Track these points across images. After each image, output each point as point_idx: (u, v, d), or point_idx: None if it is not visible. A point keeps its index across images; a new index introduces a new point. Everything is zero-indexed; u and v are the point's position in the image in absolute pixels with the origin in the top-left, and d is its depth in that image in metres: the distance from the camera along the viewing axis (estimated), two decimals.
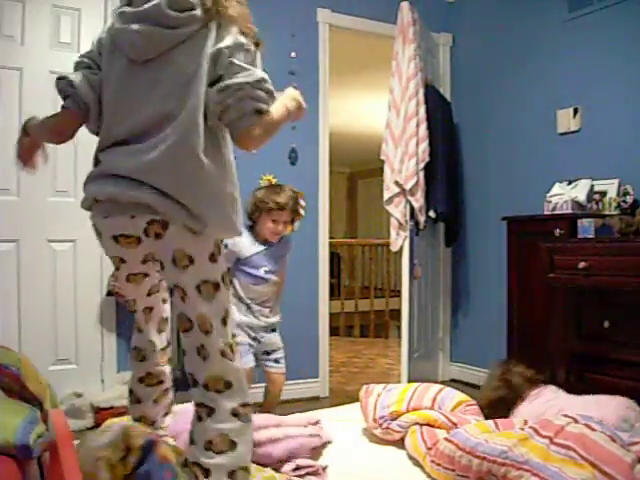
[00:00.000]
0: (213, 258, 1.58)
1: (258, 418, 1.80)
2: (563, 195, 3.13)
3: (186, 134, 1.49)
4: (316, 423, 1.90)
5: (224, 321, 1.59)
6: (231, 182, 1.63)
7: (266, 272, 2.80)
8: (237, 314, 2.75)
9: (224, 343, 1.57)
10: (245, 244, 2.76)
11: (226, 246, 2.69)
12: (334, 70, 4.01)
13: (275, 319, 2.91)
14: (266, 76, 1.54)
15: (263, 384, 2.97)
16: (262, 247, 2.80)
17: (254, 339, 2.83)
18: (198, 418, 1.56)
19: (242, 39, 1.54)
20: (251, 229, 2.83)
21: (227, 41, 1.52)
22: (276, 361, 2.90)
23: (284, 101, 1.61)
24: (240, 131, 1.53)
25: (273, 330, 2.90)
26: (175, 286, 1.58)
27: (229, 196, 1.62)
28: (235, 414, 1.54)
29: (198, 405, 1.56)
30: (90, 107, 1.62)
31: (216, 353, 1.55)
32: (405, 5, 3.61)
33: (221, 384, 1.54)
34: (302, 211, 2.81)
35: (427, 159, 3.64)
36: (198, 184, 1.52)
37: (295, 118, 1.66)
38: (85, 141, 1.79)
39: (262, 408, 2.86)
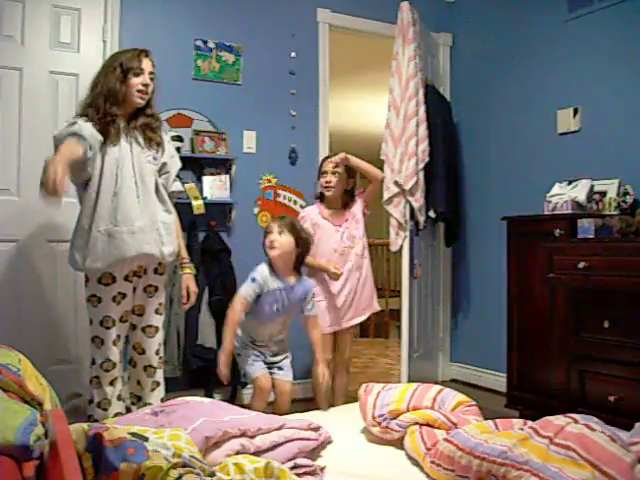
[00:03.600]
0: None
1: (261, 420, 1.80)
2: (563, 195, 3.12)
3: None
4: (317, 429, 1.90)
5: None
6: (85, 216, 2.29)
7: (277, 310, 2.73)
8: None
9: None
10: (268, 279, 2.71)
11: (253, 280, 2.68)
12: (334, 70, 4.02)
13: (281, 357, 2.82)
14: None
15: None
16: (281, 284, 2.73)
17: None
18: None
19: None
20: (269, 261, 2.76)
21: None
22: (279, 368, 2.77)
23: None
24: None
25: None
26: None
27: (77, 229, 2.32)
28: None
29: None
30: None
31: None
32: (405, 5, 3.61)
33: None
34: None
35: (427, 159, 3.64)
36: None
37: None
38: None
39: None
